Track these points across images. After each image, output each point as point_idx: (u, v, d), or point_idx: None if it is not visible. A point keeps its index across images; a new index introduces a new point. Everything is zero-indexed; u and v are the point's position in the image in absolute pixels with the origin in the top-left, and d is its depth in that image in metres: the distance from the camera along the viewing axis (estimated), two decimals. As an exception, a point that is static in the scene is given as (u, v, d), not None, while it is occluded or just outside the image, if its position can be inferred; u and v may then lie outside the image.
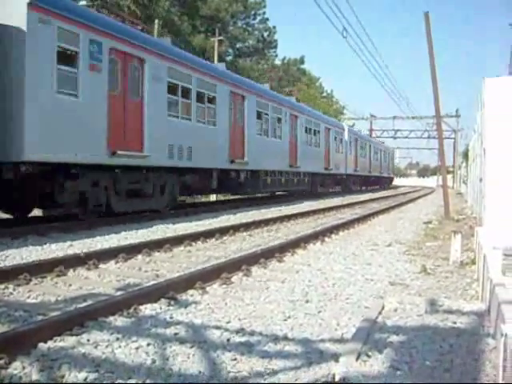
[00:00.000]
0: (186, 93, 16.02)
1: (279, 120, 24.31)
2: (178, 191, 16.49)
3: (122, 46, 13.10)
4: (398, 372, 3.52)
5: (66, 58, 11.44)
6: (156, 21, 31.92)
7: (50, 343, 4.32)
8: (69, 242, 9.79)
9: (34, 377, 3.67)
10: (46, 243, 9.64)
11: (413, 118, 65.41)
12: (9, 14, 10.32)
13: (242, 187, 21.24)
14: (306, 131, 28.22)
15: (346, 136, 37.62)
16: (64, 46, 11.32)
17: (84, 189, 12.19)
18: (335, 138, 34.71)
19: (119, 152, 12.70)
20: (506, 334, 2.97)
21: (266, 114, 22.77)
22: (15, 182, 11.09)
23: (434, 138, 64.94)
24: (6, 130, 10.29)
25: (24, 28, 10.29)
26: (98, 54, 12.15)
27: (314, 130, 29.89)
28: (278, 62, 63.83)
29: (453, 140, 72.09)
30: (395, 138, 73.79)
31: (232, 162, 19.01)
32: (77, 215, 12.54)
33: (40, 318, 5.06)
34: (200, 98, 16.88)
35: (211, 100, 17.69)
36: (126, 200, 13.74)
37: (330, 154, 32.92)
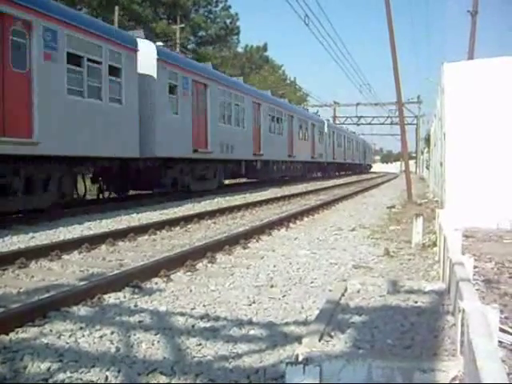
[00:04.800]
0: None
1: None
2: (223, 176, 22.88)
3: (196, 77, 19.09)
4: (360, 351, 3.58)
5: (172, 89, 17.37)
6: (116, 7, 31.41)
7: (12, 335, 4.26)
8: (31, 234, 9.63)
9: (-4, 369, 3.62)
10: (7, 235, 9.47)
11: (375, 104, 66.11)
12: (145, 65, 15.71)
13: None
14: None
15: (320, 128, 40.36)
16: (171, 82, 17.27)
17: (175, 175, 17.81)
18: (319, 132, 39.35)
19: (199, 150, 18.81)
20: (463, 310, 3.04)
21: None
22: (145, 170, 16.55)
23: (396, 124, 65.30)
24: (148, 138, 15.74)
25: (155, 74, 16.16)
26: (186, 85, 18.22)
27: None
28: (240, 49, 63.62)
29: (415, 126, 73.16)
30: (358, 124, 74.39)
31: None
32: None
33: (1, 310, 4.97)
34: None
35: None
36: (197, 182, 19.31)
37: (314, 145, 37.02)
